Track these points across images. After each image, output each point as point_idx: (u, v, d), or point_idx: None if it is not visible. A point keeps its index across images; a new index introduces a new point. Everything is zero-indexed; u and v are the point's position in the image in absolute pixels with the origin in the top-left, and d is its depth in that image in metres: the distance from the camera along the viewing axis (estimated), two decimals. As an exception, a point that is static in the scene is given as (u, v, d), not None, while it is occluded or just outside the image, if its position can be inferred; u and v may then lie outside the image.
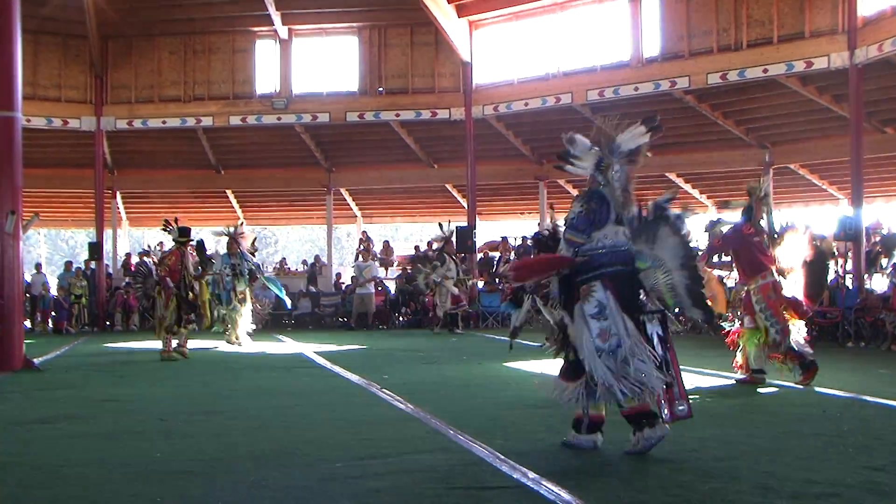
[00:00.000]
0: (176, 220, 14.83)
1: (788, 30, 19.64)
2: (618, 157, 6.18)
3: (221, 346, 16.38)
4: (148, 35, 25.46)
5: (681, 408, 6.11)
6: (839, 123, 19.99)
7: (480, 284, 23.68)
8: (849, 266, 18.59)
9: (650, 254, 6.02)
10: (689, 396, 6.34)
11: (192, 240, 15.01)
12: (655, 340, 6.07)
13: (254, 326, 17.07)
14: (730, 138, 22.82)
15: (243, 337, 16.58)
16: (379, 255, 24.87)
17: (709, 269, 10.08)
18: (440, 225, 21.23)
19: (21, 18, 13.21)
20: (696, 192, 25.70)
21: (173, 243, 14.73)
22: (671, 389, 6.10)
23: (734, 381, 10.02)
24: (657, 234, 6.03)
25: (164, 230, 14.98)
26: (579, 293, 6.09)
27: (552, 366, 11.15)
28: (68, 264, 26.44)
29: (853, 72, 18.36)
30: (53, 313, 24.34)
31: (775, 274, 10.01)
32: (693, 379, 10.47)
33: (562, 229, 6.36)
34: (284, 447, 6.38)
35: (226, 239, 17.25)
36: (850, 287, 17.53)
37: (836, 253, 17.85)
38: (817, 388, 9.43)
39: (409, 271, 23.89)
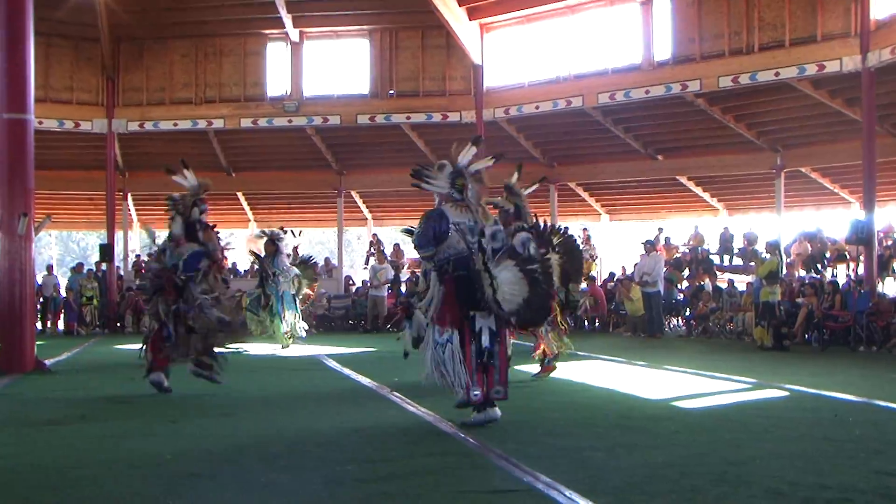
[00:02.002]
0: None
1: (800, 33, 19.57)
2: (468, 178, 7.38)
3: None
4: (159, 38, 25.51)
5: (497, 389, 7.27)
6: (851, 127, 19.91)
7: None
8: (860, 270, 18.51)
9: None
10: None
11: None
12: (485, 333, 7.15)
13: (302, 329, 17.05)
14: (741, 142, 22.75)
15: (286, 338, 16.60)
16: (389, 258, 24.84)
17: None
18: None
19: (34, 21, 13.25)
20: (707, 196, 25.64)
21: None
22: (491, 375, 7.23)
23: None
24: (504, 262, 7.18)
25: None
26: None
27: (560, 370, 11.12)
28: (79, 266, 26.50)
29: (866, 75, 18.29)
30: (64, 315, 24.41)
31: None
32: (704, 383, 10.46)
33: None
34: (294, 449, 6.38)
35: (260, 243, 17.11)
36: (862, 291, 17.45)
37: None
38: (828, 393, 9.39)
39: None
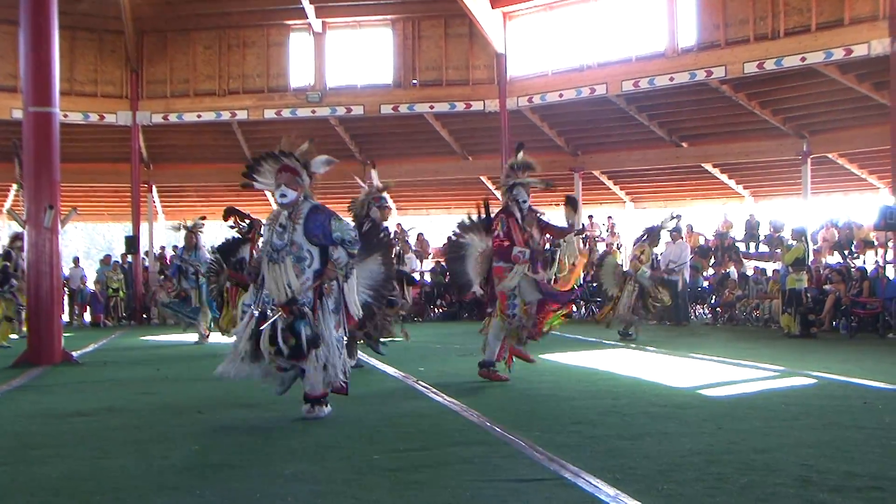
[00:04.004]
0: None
1: (827, 17, 19.38)
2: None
3: None
4: (183, 30, 25.61)
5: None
6: (879, 112, 19.72)
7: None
8: (889, 256, 18.36)
9: (350, 262, 7.23)
10: None
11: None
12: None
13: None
14: (767, 128, 22.60)
15: (199, 335, 16.17)
16: (414, 248, 24.82)
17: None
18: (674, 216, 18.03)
19: (58, 15, 13.31)
20: (732, 183, 25.48)
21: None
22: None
23: None
24: (367, 256, 7.59)
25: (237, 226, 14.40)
26: (322, 291, 7.08)
27: (586, 358, 11.09)
28: (107, 258, 26.68)
29: (894, 59, 18.09)
30: (91, 306, 24.59)
31: None
32: (731, 371, 10.42)
33: None
34: (322, 440, 6.39)
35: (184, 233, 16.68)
36: (891, 278, 17.30)
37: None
38: (857, 380, 9.32)
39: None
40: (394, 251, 10.77)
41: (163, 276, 25.20)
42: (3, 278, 15.70)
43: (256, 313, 7.10)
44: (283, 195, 7.17)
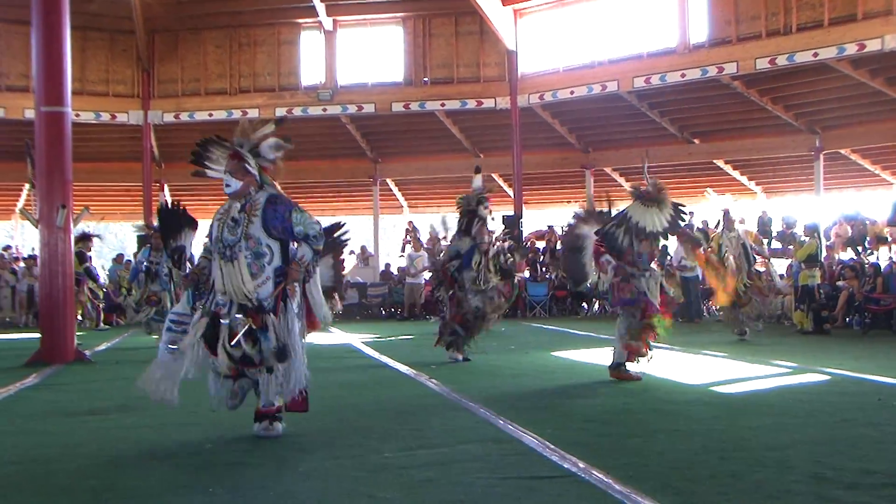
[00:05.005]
0: None
1: (840, 12, 19.30)
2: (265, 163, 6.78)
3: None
4: (194, 29, 25.66)
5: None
6: (892, 107, 19.68)
7: (526, 274, 23.57)
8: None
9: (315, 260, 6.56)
10: None
11: None
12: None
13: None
14: (779, 124, 22.53)
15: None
16: (426, 246, 24.81)
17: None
18: None
19: (69, 15, 13.34)
20: (744, 179, 25.40)
21: None
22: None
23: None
24: (322, 256, 6.86)
25: None
26: (286, 293, 6.26)
27: (598, 355, 11.05)
28: (119, 257, 26.71)
29: (907, 53, 18.03)
30: (102, 306, 24.60)
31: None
32: (743, 368, 10.38)
33: None
34: (333, 437, 6.39)
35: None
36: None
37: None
38: (871, 377, 9.28)
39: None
40: (493, 251, 11.53)
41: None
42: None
43: (203, 317, 6.36)
44: (226, 184, 6.44)
